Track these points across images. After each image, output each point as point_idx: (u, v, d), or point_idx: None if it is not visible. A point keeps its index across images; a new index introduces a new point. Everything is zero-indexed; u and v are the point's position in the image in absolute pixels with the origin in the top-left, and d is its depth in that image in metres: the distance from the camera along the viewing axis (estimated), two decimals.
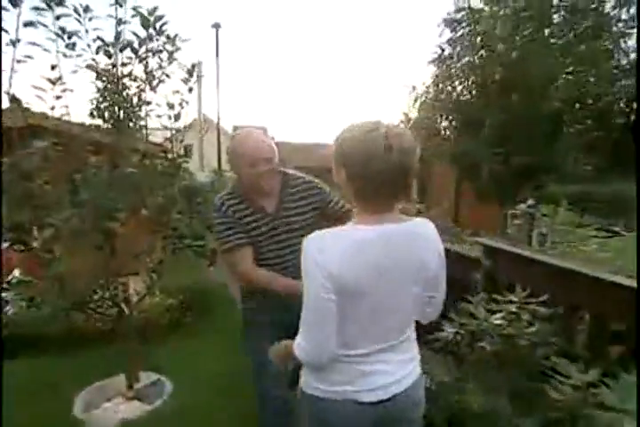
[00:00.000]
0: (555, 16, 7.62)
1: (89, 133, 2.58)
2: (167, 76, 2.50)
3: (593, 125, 7.03)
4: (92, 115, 2.47)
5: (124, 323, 2.69)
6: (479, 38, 7.18)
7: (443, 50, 8.41)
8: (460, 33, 9.24)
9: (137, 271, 2.91)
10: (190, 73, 2.48)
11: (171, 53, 2.44)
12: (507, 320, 1.86)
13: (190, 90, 2.52)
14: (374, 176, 0.99)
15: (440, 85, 8.98)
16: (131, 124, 2.44)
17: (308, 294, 1.03)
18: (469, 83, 8.04)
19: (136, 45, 2.30)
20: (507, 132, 6.63)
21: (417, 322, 1.22)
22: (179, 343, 3.58)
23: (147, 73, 2.36)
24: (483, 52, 7.09)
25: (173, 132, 2.61)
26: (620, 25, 8.35)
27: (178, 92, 2.52)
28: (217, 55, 11.66)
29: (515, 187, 7.18)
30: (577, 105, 6.74)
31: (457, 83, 7.78)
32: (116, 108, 2.42)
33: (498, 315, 1.90)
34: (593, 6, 7.69)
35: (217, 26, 12.60)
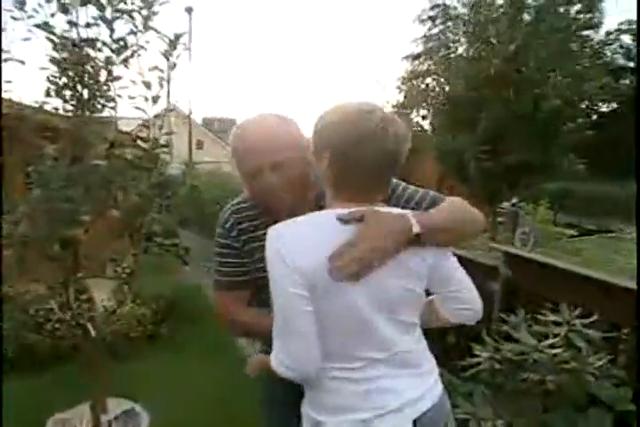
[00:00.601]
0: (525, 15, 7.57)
1: (43, 116, 2.11)
2: (142, 47, 2.05)
3: (583, 124, 7.02)
4: (47, 93, 2.00)
5: (89, 344, 2.25)
6: (476, 30, 6.99)
7: (439, 38, 8.24)
8: (438, 28, 9.11)
9: (101, 275, 2.48)
10: (173, 45, 2.04)
11: (146, 18, 2.00)
12: (561, 348, 1.57)
13: (173, 66, 2.08)
14: (363, 162, 0.89)
15: (420, 80, 8.81)
16: (98, 106, 1.99)
17: (275, 293, 0.90)
18: (449, 76, 7.87)
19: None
20: (503, 128, 6.46)
21: (440, 347, 1.00)
22: (155, 360, 3.15)
23: (115, 41, 1.90)
24: (478, 44, 6.91)
25: (150, 116, 2.17)
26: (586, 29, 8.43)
27: (157, 68, 2.08)
28: (190, 41, 10.98)
29: (508, 185, 7.06)
30: (575, 102, 6.69)
31: (451, 76, 7.58)
32: (79, 86, 1.96)
33: (547, 341, 1.62)
34: (562, 9, 7.69)
35: (189, 10, 11.90)
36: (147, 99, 2.20)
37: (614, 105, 12.99)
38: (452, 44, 8.18)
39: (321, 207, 1.12)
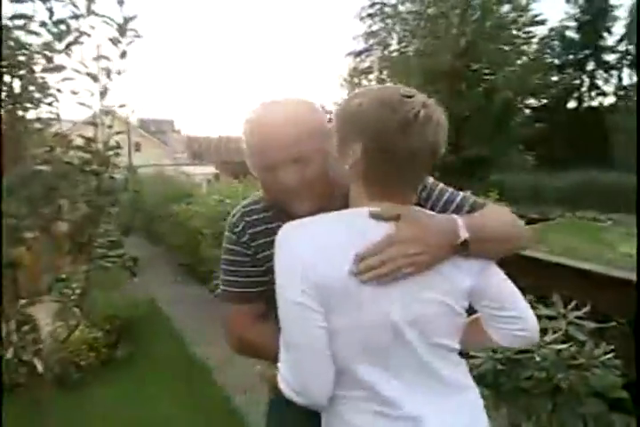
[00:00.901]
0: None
1: None
2: (86, 33, 1.77)
3: (530, 117, 7.44)
4: None
5: (36, 381, 1.92)
6: (427, 25, 7.16)
7: (386, 35, 8.41)
8: (378, 25, 9.26)
9: (46, 298, 2.14)
10: (123, 30, 1.78)
11: (89, 0, 1.72)
12: (565, 343, 1.54)
13: (123, 54, 1.81)
14: (403, 154, 0.77)
15: (364, 76, 8.92)
16: (34, 102, 1.68)
17: (283, 305, 0.78)
18: (392, 73, 8.00)
19: None
20: (458, 122, 6.67)
21: None
22: (111, 389, 2.81)
23: (55, 23, 1.61)
24: (429, 39, 7.07)
25: (97, 113, 1.89)
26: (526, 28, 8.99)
27: (104, 57, 1.80)
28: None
29: (465, 178, 7.30)
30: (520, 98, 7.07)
31: (397, 72, 7.71)
32: (9, 77, 1.65)
33: (548, 337, 1.58)
34: (495, 8, 8.15)
35: (121, 2, 11.10)
36: (92, 93, 1.92)
37: (544, 100, 13.95)
38: (399, 40, 8.35)
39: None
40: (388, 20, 10.41)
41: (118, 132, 2.05)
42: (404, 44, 8.41)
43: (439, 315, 0.80)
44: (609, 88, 20.61)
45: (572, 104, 19.87)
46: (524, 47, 8.13)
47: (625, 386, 1.66)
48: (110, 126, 1.98)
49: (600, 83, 20.58)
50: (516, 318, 0.87)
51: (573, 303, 1.70)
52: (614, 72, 20.29)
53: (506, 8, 8.38)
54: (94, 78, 1.85)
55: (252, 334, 1.00)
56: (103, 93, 1.88)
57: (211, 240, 4.73)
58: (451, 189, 1.00)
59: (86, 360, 2.82)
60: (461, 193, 1.00)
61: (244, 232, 1.01)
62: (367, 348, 0.78)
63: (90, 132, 2.07)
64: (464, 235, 0.78)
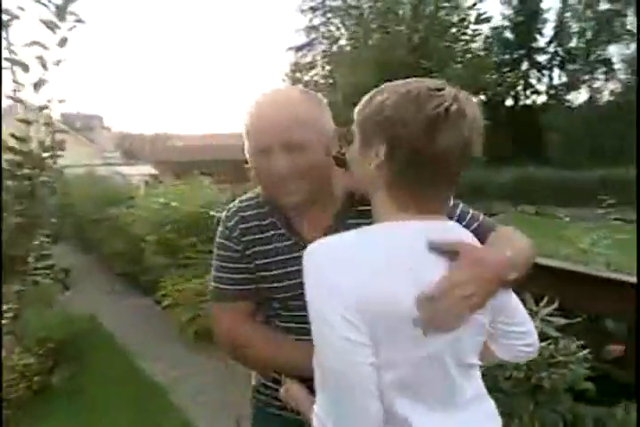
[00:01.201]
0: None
1: None
2: (15, 17, 1.51)
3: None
4: None
5: None
6: (379, 20, 7.24)
7: (329, 30, 8.44)
8: (319, 19, 9.26)
9: None
10: (61, 14, 1.54)
11: None
12: (544, 341, 1.57)
13: (64, 42, 1.56)
14: (434, 156, 0.69)
15: (304, 72, 8.92)
16: None
17: (322, 338, 0.68)
18: (335, 68, 8.04)
19: None
20: None
21: None
22: (46, 425, 2.46)
23: None
24: (378, 34, 7.15)
25: (36, 109, 1.64)
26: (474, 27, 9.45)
27: (39, 44, 1.55)
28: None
29: None
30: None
31: (343, 67, 7.73)
32: None
33: None
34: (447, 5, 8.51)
35: None
36: (21, 85, 1.66)
37: (482, 97, 14.68)
38: (349, 36, 8.38)
39: (358, 211, 0.94)
40: (330, 14, 10.44)
41: (58, 131, 1.79)
42: (352, 40, 8.47)
43: (472, 335, 0.76)
44: (541, 87, 22.65)
45: (509, 102, 21.53)
46: (470, 45, 8.59)
47: (592, 378, 1.73)
48: (48, 124, 1.73)
49: (534, 82, 22.52)
50: (524, 333, 0.86)
51: (545, 300, 1.73)
52: (546, 72, 22.31)
53: (450, 5, 8.76)
54: (25, 68, 1.59)
55: (245, 336, 0.97)
56: (37, 86, 1.63)
57: (155, 247, 4.40)
58: (462, 205, 0.97)
59: (16, 393, 2.45)
60: (470, 210, 0.97)
61: (236, 227, 0.99)
62: (413, 383, 0.71)
63: (11, 130, 1.79)
64: (514, 272, 0.76)
